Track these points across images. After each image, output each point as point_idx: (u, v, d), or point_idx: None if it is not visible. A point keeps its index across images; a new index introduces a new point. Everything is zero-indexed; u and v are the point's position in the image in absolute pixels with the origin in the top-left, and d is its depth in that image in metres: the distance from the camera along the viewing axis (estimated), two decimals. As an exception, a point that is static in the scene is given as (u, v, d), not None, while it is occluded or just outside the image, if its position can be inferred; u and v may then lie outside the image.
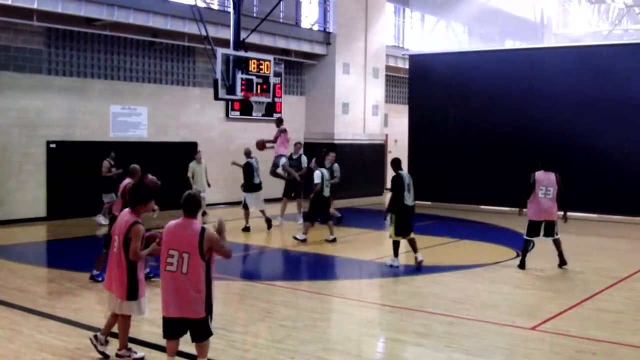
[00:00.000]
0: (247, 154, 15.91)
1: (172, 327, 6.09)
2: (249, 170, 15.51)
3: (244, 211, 15.18)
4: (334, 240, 13.90)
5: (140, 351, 6.85)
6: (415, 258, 11.37)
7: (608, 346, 7.44)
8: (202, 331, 6.09)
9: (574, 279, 11.28)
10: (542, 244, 14.35)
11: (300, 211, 16.42)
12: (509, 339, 7.81)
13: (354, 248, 14.27)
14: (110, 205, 15.86)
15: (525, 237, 11.67)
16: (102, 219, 15.90)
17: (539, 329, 7.98)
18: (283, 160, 16.48)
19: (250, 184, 15.41)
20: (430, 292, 10.13)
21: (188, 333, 6.14)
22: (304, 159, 16.87)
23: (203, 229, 5.99)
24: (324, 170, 14.28)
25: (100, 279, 9.83)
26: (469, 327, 8.13)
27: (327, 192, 14.13)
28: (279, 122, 17.04)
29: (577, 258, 13.14)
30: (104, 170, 15.86)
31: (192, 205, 6.14)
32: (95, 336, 6.85)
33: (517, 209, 12.06)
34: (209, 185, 17.60)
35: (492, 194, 20.11)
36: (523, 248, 11.67)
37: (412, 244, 11.49)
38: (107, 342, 6.81)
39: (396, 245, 11.45)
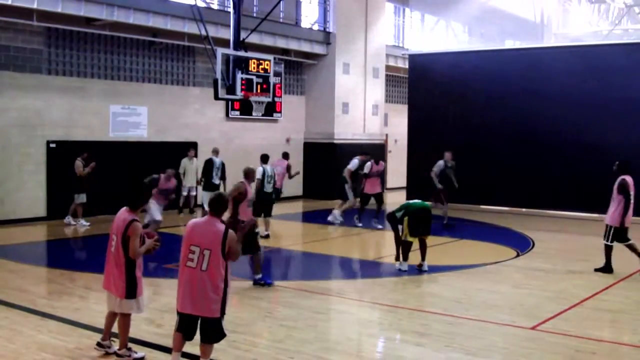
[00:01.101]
0: (215, 152, 16.19)
1: (185, 323, 6.16)
2: (208, 167, 15.80)
3: (202, 210, 15.27)
4: (267, 236, 14.21)
5: (140, 351, 6.86)
6: (420, 265, 11.32)
7: (608, 346, 7.45)
8: (214, 332, 6.13)
9: (573, 279, 11.29)
10: (543, 244, 14.38)
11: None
12: (508, 338, 7.81)
13: (354, 248, 14.27)
14: (76, 207, 15.92)
15: (628, 243, 11.41)
16: (71, 220, 15.94)
17: (539, 329, 7.98)
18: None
19: (208, 183, 15.69)
20: (430, 292, 10.14)
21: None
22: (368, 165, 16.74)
23: (227, 228, 6.09)
24: (267, 167, 14.39)
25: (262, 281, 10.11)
26: (468, 326, 8.14)
27: (268, 188, 14.20)
28: (286, 156, 17.32)
29: (577, 258, 13.17)
30: (78, 171, 15.68)
31: (220, 205, 6.28)
32: (99, 344, 6.86)
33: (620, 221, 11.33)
34: (199, 182, 17.66)
35: (492, 194, 20.12)
36: (632, 248, 11.40)
37: (423, 248, 11.32)
38: (111, 344, 6.83)
39: (407, 247, 11.24)
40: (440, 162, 16.79)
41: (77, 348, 7.04)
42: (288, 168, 16.96)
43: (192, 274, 6.04)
